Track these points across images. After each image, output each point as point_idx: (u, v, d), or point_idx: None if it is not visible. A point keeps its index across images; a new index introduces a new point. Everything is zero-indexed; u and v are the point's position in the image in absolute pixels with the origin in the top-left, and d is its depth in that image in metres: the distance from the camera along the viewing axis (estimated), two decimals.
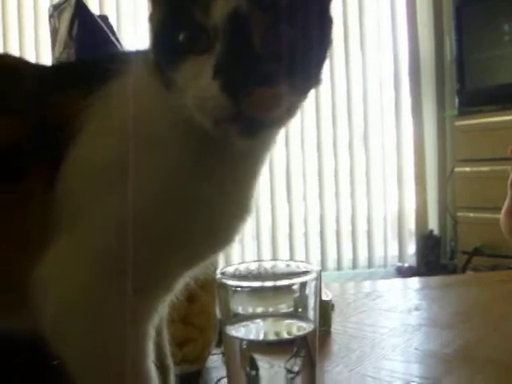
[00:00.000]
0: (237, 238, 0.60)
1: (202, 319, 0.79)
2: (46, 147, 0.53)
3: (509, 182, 1.59)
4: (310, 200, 3.47)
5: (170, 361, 0.64)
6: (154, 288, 0.54)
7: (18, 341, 0.62)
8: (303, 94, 0.53)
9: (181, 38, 0.49)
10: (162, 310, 0.58)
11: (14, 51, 3.08)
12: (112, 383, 0.53)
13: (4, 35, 3.15)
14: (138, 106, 0.52)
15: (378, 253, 3.55)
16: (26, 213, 0.52)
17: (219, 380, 0.75)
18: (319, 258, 3.45)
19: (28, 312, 0.52)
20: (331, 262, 3.47)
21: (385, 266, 3.54)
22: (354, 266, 3.51)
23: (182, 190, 0.53)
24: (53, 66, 0.68)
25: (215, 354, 0.83)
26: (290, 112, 0.52)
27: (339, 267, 3.45)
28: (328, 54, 0.54)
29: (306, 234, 3.48)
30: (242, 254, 3.15)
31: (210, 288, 0.79)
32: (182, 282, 0.58)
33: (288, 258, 3.34)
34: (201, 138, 0.52)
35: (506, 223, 1.29)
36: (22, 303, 0.52)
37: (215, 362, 0.83)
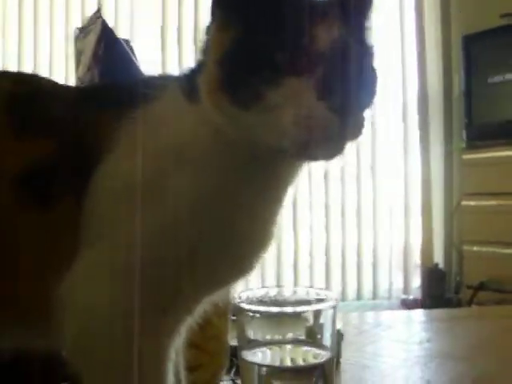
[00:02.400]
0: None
1: (213, 344, 0.78)
2: (78, 168, 0.53)
3: None
4: (315, 230, 3.46)
5: None
6: (176, 309, 0.54)
7: (31, 359, 0.62)
8: None
9: (278, 58, 0.49)
10: (182, 334, 0.57)
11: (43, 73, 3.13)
12: None
13: (35, 57, 3.19)
14: (174, 128, 0.53)
15: (383, 285, 3.53)
16: (55, 232, 0.53)
17: None
18: (323, 288, 3.43)
19: (48, 329, 0.52)
20: (335, 293, 3.44)
21: (389, 297, 3.52)
22: (359, 297, 3.49)
23: (213, 214, 0.53)
24: (84, 88, 0.69)
25: (225, 380, 0.82)
26: None
27: (344, 298, 3.43)
28: None
29: (310, 265, 3.46)
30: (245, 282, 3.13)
31: (223, 313, 0.79)
32: (202, 307, 0.58)
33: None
34: (241, 164, 0.54)
35: None
36: (44, 319, 0.52)
37: None
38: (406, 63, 3.60)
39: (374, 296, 3.51)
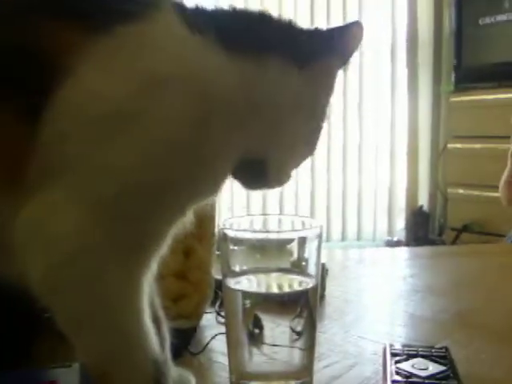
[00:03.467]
0: None
1: (197, 274, 0.77)
2: (27, 74, 0.47)
3: (509, 152, 1.59)
4: (301, 172, 3.45)
5: (161, 313, 0.62)
6: (147, 241, 0.51)
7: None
8: None
9: None
10: (154, 266, 0.55)
11: None
12: (107, 334, 0.51)
13: None
14: (164, 49, 0.49)
15: (368, 226, 3.55)
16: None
17: (215, 337, 0.75)
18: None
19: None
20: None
21: (373, 239, 3.55)
22: (343, 237, 3.52)
23: (190, 141, 0.49)
24: None
25: (210, 312, 0.82)
26: None
27: (328, 239, 3.45)
28: None
29: (296, 206, 3.47)
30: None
31: (207, 242, 0.78)
32: (169, 239, 0.55)
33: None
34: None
35: (505, 192, 1.29)
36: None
37: (209, 320, 0.82)
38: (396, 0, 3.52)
39: (359, 237, 3.54)
